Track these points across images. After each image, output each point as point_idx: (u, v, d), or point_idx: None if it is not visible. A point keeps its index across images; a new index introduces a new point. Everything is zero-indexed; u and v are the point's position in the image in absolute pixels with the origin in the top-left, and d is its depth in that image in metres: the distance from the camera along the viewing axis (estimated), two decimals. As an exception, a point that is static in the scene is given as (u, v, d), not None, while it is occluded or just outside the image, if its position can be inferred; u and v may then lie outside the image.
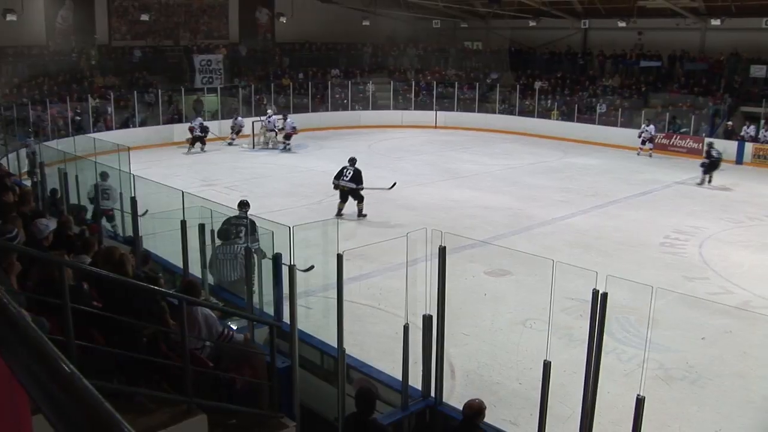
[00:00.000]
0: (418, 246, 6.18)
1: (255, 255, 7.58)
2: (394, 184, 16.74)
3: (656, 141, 25.24)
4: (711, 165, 20.01)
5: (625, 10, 28.90)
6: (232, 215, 9.43)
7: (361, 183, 15.32)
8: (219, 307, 7.11)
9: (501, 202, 17.31)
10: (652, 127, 25.10)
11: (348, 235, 13.55)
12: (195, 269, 8.43)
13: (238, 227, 9.22)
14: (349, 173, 15.35)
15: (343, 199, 15.49)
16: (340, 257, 5.84)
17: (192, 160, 23.00)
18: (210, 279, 8.52)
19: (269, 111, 26.50)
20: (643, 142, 24.98)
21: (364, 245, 11.90)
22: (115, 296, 5.09)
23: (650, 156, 24.67)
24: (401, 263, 11.00)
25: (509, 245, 13.39)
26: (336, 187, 15.49)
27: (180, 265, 8.42)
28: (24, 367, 1.24)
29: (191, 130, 24.56)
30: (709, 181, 19.98)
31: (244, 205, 10.07)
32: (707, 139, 23.11)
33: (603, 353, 5.08)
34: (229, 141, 26.08)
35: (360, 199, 15.36)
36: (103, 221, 11.33)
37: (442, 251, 5.82)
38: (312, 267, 12.28)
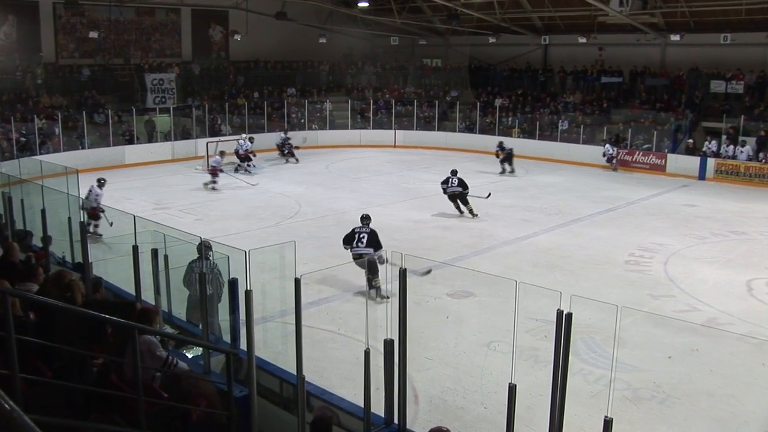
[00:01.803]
0: (378, 269, 6.17)
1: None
2: (489, 194, 18.44)
3: (619, 157, 25.97)
4: (507, 157, 24.72)
5: (585, 26, 29.43)
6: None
7: (467, 188, 18.18)
8: (173, 335, 7.02)
9: (462, 223, 17.40)
10: (608, 146, 26.15)
11: (306, 258, 13.49)
12: (148, 296, 8.32)
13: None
14: (455, 181, 18.17)
15: (454, 202, 18.26)
16: (297, 281, 5.81)
17: (145, 183, 22.75)
18: (164, 305, 8.41)
19: (243, 136, 26.31)
20: (609, 160, 25.85)
21: (322, 268, 11.87)
22: (63, 325, 5.00)
23: (615, 170, 25.67)
24: (361, 286, 11.02)
25: (471, 266, 13.47)
26: (445, 192, 18.31)
27: (132, 291, 8.30)
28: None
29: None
30: (511, 171, 24.67)
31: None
32: (498, 138, 26.56)
33: (569, 374, 5.11)
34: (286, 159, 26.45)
35: (466, 203, 18.18)
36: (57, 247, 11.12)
37: (403, 273, 5.82)
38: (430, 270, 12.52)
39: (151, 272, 8.25)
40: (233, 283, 6.92)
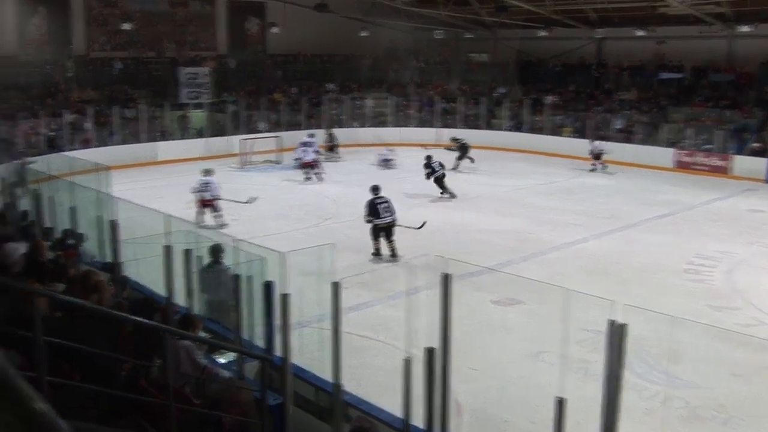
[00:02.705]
0: (419, 273, 6.18)
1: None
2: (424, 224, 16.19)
3: (602, 157, 25.66)
4: (462, 148, 25.80)
5: (644, 18, 28.94)
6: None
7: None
8: (206, 339, 7.08)
9: (509, 226, 17.30)
10: (597, 142, 25.84)
11: (346, 262, 13.53)
12: (179, 298, 8.41)
13: None
14: (438, 165, 20.46)
15: (441, 185, 20.43)
16: (336, 285, 5.82)
17: (178, 181, 23.02)
18: (196, 308, 8.50)
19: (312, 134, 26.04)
20: (596, 157, 25.58)
21: (362, 272, 11.91)
22: (90, 327, 5.07)
23: (595, 169, 25.46)
24: (402, 291, 11.03)
25: (518, 272, 13.38)
26: (434, 175, 20.53)
27: (163, 293, 8.40)
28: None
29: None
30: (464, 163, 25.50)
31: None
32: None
33: (622, 389, 5.04)
34: (592, 167, 25.84)
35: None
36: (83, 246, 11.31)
37: (446, 278, 5.79)
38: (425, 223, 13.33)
39: (183, 273, 8.34)
40: (269, 287, 6.95)
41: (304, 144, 24.37)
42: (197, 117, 29.07)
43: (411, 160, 25.01)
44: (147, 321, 5.75)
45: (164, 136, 27.77)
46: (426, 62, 36.74)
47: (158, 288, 8.75)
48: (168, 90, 29.62)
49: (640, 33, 28.85)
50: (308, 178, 23.15)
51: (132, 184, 21.36)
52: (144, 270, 9.96)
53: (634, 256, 14.79)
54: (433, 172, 20.57)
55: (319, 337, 8.81)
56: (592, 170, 25.29)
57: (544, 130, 29.99)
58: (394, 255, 14.23)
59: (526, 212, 18.54)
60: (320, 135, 27.99)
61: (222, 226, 16.73)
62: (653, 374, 9.08)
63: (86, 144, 25.43)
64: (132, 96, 28.89)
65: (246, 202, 17.86)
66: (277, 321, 6.65)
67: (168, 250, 8.10)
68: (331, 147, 27.91)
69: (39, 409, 1.15)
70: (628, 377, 7.36)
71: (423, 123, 32.44)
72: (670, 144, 26.67)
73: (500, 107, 32.08)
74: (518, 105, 31.80)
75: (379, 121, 32.90)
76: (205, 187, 17.23)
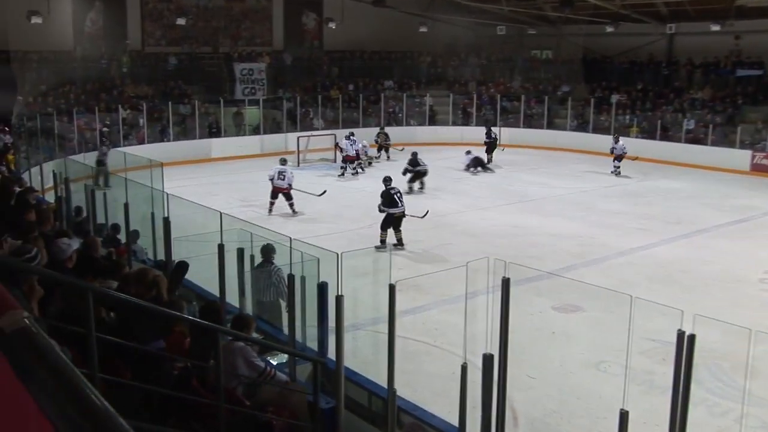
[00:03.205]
0: (478, 277, 6.14)
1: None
2: (427, 212, 16.96)
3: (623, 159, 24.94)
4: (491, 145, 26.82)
5: (720, 12, 28.30)
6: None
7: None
8: (259, 341, 7.16)
9: (572, 230, 17.12)
10: (621, 143, 24.98)
11: (401, 263, 13.57)
12: (232, 298, 8.52)
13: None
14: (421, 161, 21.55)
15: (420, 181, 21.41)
16: (392, 288, 5.84)
17: (231, 178, 23.34)
18: (249, 308, 8.61)
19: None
20: (619, 159, 24.78)
21: (418, 275, 11.90)
22: (144, 324, 5.18)
23: (617, 172, 24.71)
24: (460, 296, 10.98)
25: (581, 278, 13.21)
26: (416, 169, 21.52)
27: (216, 292, 8.52)
28: (54, 402, 1.26)
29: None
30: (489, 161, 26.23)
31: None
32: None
33: (690, 405, 4.95)
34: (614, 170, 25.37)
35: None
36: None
37: (506, 283, 5.77)
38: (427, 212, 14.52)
39: (236, 273, 8.45)
40: (322, 288, 7.00)
41: (346, 138, 25.12)
42: (252, 114, 29.41)
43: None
44: (201, 320, 5.85)
45: (218, 132, 28.15)
46: (487, 59, 36.56)
47: (211, 287, 8.88)
48: (223, 86, 30.07)
49: (715, 28, 28.20)
50: (342, 175, 24.20)
51: (185, 181, 21.71)
52: (196, 269, 10.13)
53: (704, 264, 14.51)
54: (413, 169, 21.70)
55: (374, 341, 8.86)
56: (615, 173, 24.63)
57: (610, 130, 29.61)
58: (401, 244, 15.31)
59: (590, 216, 18.33)
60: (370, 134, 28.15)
61: (295, 213, 18.25)
62: (725, 389, 8.89)
63: (140, 140, 25.92)
64: (186, 92, 29.39)
65: (320, 195, 18.92)
66: (331, 323, 6.70)
67: (221, 249, 8.22)
68: (384, 147, 27.88)
69: (102, 407, 1.18)
70: (697, 391, 7.23)
71: (485, 122, 32.16)
72: (747, 146, 26.05)
73: (564, 106, 31.79)
74: (583, 104, 31.51)
75: (437, 120, 32.86)
76: (281, 175, 18.36)
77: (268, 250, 9.50)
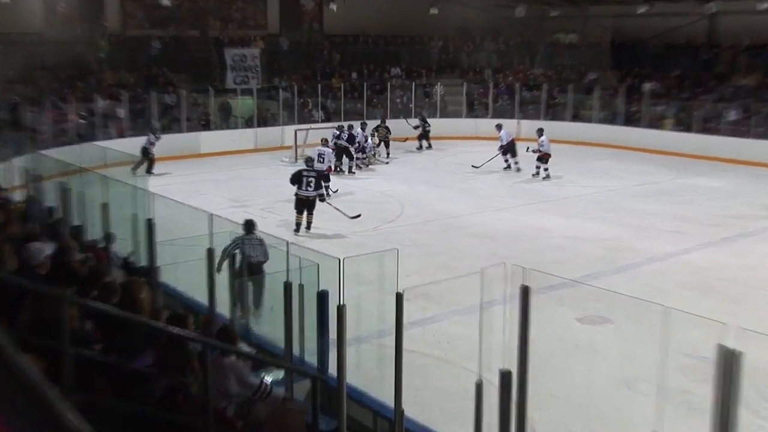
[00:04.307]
0: (494, 284, 6.14)
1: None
2: (359, 215, 17.46)
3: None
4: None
5: (770, -13, 27.99)
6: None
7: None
8: (252, 355, 7.17)
9: (598, 232, 17.10)
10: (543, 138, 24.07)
11: (410, 269, 13.55)
12: (222, 308, 8.53)
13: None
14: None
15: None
16: (399, 297, 5.84)
17: (222, 176, 23.36)
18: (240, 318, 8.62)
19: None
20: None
21: (428, 282, 11.90)
22: (125, 336, 5.18)
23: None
24: (474, 305, 10.95)
25: (608, 286, 13.18)
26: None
27: (204, 301, 8.53)
28: (26, 424, 1.26)
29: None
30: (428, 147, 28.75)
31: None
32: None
33: (735, 429, 4.92)
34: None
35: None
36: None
37: (525, 291, 5.77)
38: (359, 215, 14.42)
39: (227, 280, 8.46)
40: (323, 297, 7.01)
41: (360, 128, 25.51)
42: (245, 104, 29.37)
43: (488, 156, 24.92)
44: (186, 332, 5.85)
45: (208, 125, 28.16)
46: (505, 44, 36.52)
47: (199, 295, 8.90)
48: (212, 74, 30.01)
49: (763, 6, 27.85)
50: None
51: (171, 178, 21.82)
52: (183, 275, 10.14)
53: (746, 271, 14.46)
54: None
55: (379, 355, 8.87)
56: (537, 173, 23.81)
57: (641, 123, 29.52)
58: (307, 228, 16.55)
59: (619, 217, 18.29)
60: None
61: (332, 192, 19.68)
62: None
63: (120, 133, 25.83)
64: (172, 80, 29.34)
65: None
66: (332, 335, 6.70)
67: (211, 254, 8.23)
68: (385, 142, 27.63)
69: (69, 421, 1.18)
70: (743, 414, 7.20)
71: (501, 114, 32.11)
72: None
73: (590, 96, 31.72)
74: (611, 93, 31.33)
75: (449, 111, 32.84)
76: (321, 158, 19.42)
77: (250, 224, 10.50)
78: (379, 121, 28.27)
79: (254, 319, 9.16)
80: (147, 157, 22.99)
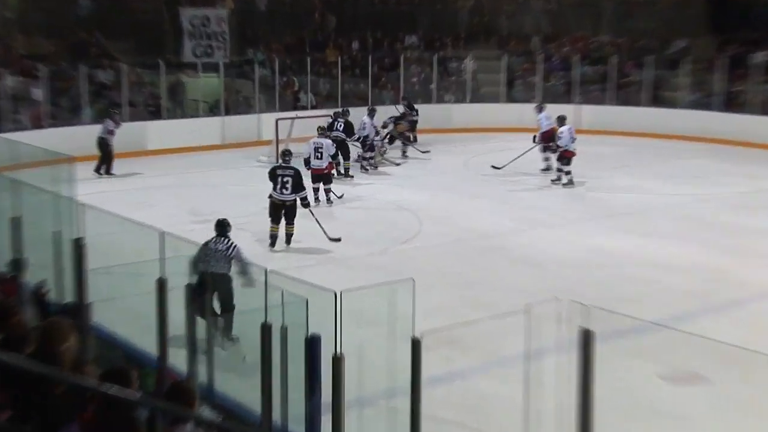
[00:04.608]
0: (544, 327, 6.17)
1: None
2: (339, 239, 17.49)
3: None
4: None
5: None
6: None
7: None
8: (217, 422, 7.20)
9: (688, 258, 17.06)
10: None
11: (430, 305, 13.56)
12: (177, 357, 8.56)
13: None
14: (341, 125, 23.83)
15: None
16: (416, 343, 5.87)
17: (177, 180, 23.41)
18: (202, 373, 8.64)
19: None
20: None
21: (455, 323, 11.92)
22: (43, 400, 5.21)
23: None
24: (516, 355, 11.04)
25: (703, 331, 13.18)
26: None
27: (153, 351, 8.55)
28: None
29: None
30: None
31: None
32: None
33: None
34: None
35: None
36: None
37: (586, 336, 5.79)
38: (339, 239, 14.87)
39: (184, 321, 8.48)
40: (313, 343, 7.03)
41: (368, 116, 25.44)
42: (208, 85, 29.33)
43: (535, 154, 25.00)
44: (128, 393, 5.87)
45: (158, 113, 28.15)
46: (558, 3, 36.48)
47: (146, 343, 8.91)
48: (163, 42, 30.00)
49: None
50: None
51: (108, 184, 21.86)
52: (123, 315, 10.16)
53: None
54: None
55: (389, 422, 8.90)
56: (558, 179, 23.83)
57: (749, 107, 29.44)
58: (287, 241, 16.96)
59: (718, 237, 18.25)
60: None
61: (337, 197, 20.87)
62: None
63: (37, 122, 25.75)
64: (108, 50, 29.27)
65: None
66: (326, 396, 6.73)
67: (162, 285, 8.25)
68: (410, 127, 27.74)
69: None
70: None
71: (554, 97, 31.95)
72: None
73: (677, 71, 31.67)
74: (707, 67, 31.18)
75: (483, 93, 32.84)
76: (318, 152, 20.51)
77: (223, 224, 11.35)
78: (401, 109, 28.35)
79: (221, 358, 9.17)
80: (106, 152, 23.38)
